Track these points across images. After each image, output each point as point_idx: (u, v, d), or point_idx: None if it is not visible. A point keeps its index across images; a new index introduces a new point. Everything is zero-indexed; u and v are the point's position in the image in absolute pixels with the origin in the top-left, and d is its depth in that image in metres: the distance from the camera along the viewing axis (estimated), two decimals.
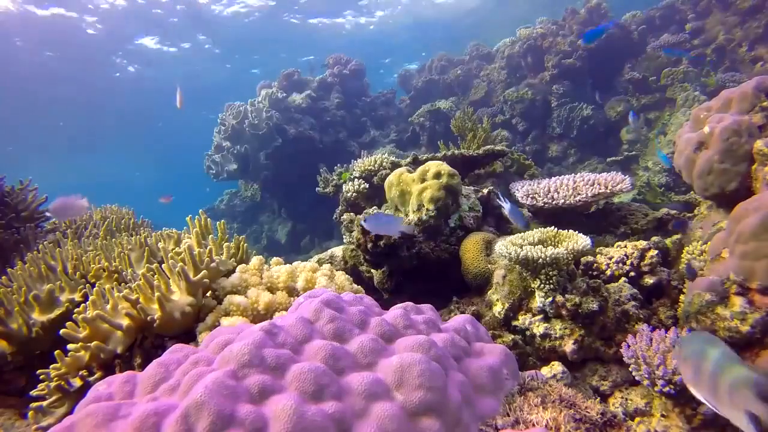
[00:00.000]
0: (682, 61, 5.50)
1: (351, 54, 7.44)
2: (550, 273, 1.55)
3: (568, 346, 1.52)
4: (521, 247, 1.56)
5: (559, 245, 1.61)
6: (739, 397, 0.78)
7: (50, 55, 11.12)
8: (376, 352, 0.89)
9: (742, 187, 1.83)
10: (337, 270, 1.69)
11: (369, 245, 1.92)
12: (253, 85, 7.21)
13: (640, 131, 5.00)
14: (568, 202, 2.27)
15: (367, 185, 2.87)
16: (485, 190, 2.40)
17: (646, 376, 1.30)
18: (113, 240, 2.04)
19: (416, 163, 2.69)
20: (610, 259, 1.81)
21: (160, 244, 1.75)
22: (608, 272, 1.80)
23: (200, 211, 1.84)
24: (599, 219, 2.42)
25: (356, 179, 2.91)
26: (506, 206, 1.98)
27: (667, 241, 1.94)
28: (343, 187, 2.98)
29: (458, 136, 3.38)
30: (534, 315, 1.61)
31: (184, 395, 0.76)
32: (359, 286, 1.69)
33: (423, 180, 2.15)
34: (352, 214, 2.41)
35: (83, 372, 1.31)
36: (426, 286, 2.04)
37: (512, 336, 1.59)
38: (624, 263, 1.78)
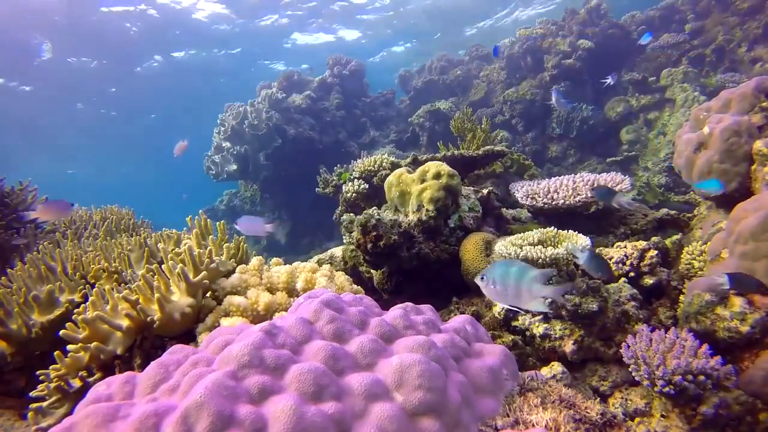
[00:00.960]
0: (681, 61, 5.50)
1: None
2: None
3: (568, 347, 1.52)
4: (521, 248, 1.56)
5: (559, 245, 1.61)
6: (533, 290, 1.12)
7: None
8: (376, 353, 0.89)
9: (742, 187, 1.84)
10: (337, 270, 1.69)
11: (369, 246, 1.92)
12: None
13: (563, 110, 5.01)
14: (567, 202, 2.27)
15: (366, 186, 2.87)
16: (485, 191, 2.40)
17: (646, 376, 1.30)
18: (113, 240, 2.04)
19: (416, 163, 2.69)
20: (610, 259, 1.82)
21: (160, 245, 1.75)
22: None
23: (200, 211, 1.84)
24: (599, 219, 2.42)
25: (356, 180, 2.91)
26: (582, 256, 1.49)
27: (667, 241, 1.94)
28: (343, 187, 2.98)
29: (458, 136, 3.39)
30: (534, 315, 1.61)
31: (184, 396, 0.76)
32: (359, 287, 1.69)
33: (423, 180, 2.15)
34: (351, 214, 2.41)
35: (83, 373, 1.31)
36: (426, 286, 2.04)
37: (512, 336, 1.59)
38: (624, 263, 1.78)
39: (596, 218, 2.43)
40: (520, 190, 2.47)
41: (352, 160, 3.28)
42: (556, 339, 1.55)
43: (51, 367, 1.30)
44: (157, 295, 1.31)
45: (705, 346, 1.30)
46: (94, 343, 1.29)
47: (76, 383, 1.29)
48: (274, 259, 1.77)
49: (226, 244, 1.72)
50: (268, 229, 2.23)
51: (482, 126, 3.29)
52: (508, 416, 0.85)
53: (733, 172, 1.85)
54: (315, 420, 0.71)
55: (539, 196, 2.36)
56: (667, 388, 1.25)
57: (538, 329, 1.58)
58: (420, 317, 1.07)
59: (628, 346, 1.38)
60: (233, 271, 1.59)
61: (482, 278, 1.20)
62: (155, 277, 1.40)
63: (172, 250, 1.73)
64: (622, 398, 1.44)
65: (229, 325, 1.23)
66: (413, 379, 0.81)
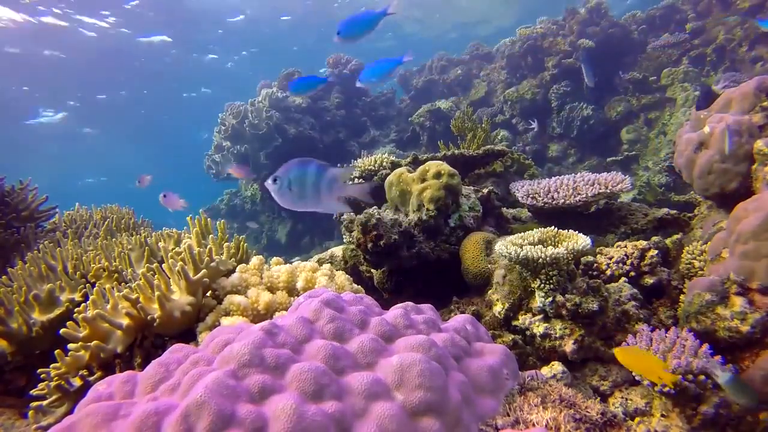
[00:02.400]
0: (682, 60, 5.50)
1: None
2: (551, 273, 1.55)
3: (569, 346, 1.52)
4: (521, 247, 1.56)
5: (559, 245, 1.61)
6: (334, 189, 1.08)
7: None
8: (376, 352, 0.89)
9: (743, 187, 1.83)
10: (337, 270, 1.69)
11: (369, 245, 1.92)
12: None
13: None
14: (568, 201, 2.27)
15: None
16: (485, 190, 2.40)
17: None
18: (113, 240, 2.04)
19: (416, 162, 2.69)
20: (610, 259, 1.81)
21: (160, 244, 1.75)
22: (608, 272, 1.80)
23: (200, 210, 1.84)
24: (599, 219, 2.42)
25: (356, 179, 2.91)
26: (723, 377, 1.21)
27: (667, 241, 1.94)
28: None
29: (458, 136, 3.38)
30: (534, 315, 1.61)
31: (185, 395, 0.76)
32: (359, 286, 1.69)
33: (423, 180, 2.15)
34: (352, 213, 2.41)
35: (83, 371, 1.31)
36: (426, 286, 2.04)
37: (512, 336, 1.59)
38: (624, 263, 1.78)
39: (596, 218, 2.43)
40: (521, 190, 2.47)
41: (352, 159, 3.28)
42: (557, 338, 1.55)
43: (51, 365, 1.30)
44: (157, 293, 1.31)
45: (705, 346, 1.30)
46: (95, 342, 1.30)
47: (77, 382, 1.29)
48: (275, 259, 1.77)
49: (227, 244, 1.72)
50: (183, 204, 2.19)
51: (482, 125, 3.29)
52: (509, 415, 0.85)
53: (734, 171, 1.84)
54: (315, 419, 0.71)
55: (540, 196, 2.36)
56: (667, 388, 1.25)
57: (539, 329, 1.57)
58: (420, 316, 1.07)
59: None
60: (233, 271, 1.59)
61: (275, 180, 1.09)
62: (155, 275, 1.40)
63: (173, 249, 1.73)
64: (622, 398, 1.44)
65: (229, 324, 1.23)
66: (414, 379, 0.81)
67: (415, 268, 2.01)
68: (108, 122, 15.05)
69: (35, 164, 17.29)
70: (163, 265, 1.44)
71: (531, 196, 2.40)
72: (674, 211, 2.31)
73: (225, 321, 1.34)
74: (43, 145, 15.77)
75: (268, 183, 1.10)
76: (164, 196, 2.04)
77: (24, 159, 16.45)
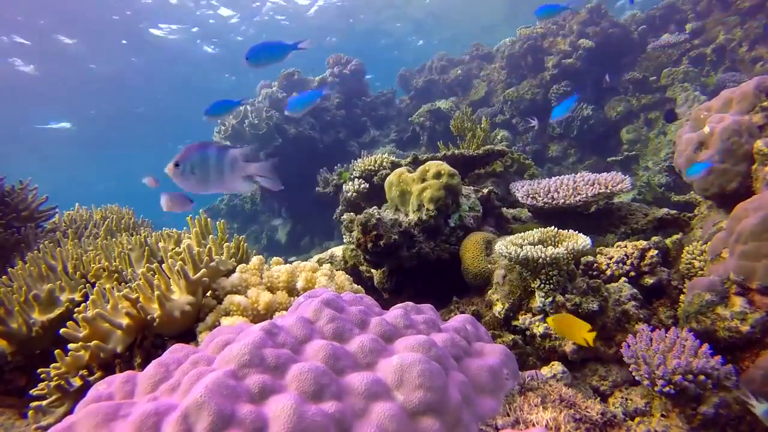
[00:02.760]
0: (682, 60, 5.50)
1: None
2: (550, 273, 1.56)
3: (568, 346, 1.52)
4: (521, 247, 1.56)
5: (559, 245, 1.61)
6: (236, 169, 1.09)
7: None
8: (376, 352, 0.89)
9: (742, 187, 1.83)
10: (337, 270, 1.69)
11: (369, 245, 1.92)
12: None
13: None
14: (568, 201, 2.27)
15: (367, 185, 2.87)
16: (485, 190, 2.40)
17: (646, 376, 1.30)
18: (113, 240, 2.04)
19: (416, 162, 2.69)
20: (610, 259, 1.81)
21: (160, 244, 1.75)
22: (608, 272, 1.80)
23: (200, 211, 1.84)
24: (599, 219, 2.42)
25: (356, 179, 2.91)
26: (759, 407, 1.19)
27: (667, 241, 1.94)
28: (343, 187, 2.98)
29: (458, 136, 3.39)
30: (534, 315, 1.61)
31: (184, 395, 0.76)
32: (359, 286, 1.69)
33: (423, 180, 2.15)
34: (352, 213, 2.41)
35: (83, 371, 1.31)
36: (426, 286, 2.04)
37: (512, 336, 1.59)
38: (624, 263, 1.78)
39: (596, 218, 2.43)
40: (521, 190, 2.47)
41: (352, 159, 3.28)
42: (557, 338, 1.55)
43: (51, 365, 1.30)
44: (157, 293, 1.31)
45: (705, 346, 1.30)
46: (95, 342, 1.30)
47: (77, 382, 1.29)
48: (275, 259, 1.77)
49: (226, 244, 1.72)
50: (186, 208, 2.09)
51: (482, 126, 3.29)
52: (509, 415, 0.85)
53: (734, 171, 1.84)
54: (315, 419, 0.71)
55: (539, 196, 2.36)
56: (667, 388, 1.25)
57: (539, 328, 1.58)
58: (420, 317, 1.07)
59: (629, 346, 1.38)
60: (233, 271, 1.59)
61: (177, 165, 1.08)
62: (155, 275, 1.40)
63: (172, 249, 1.73)
64: (622, 398, 1.44)
65: (229, 324, 1.23)
66: (414, 379, 0.81)
67: (415, 268, 2.01)
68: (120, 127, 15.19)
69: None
70: (163, 265, 1.44)
71: (531, 196, 2.40)
72: (674, 211, 2.31)
73: (225, 321, 1.34)
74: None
75: (169, 167, 1.10)
76: (168, 198, 1.94)
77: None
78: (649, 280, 1.75)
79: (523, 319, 1.62)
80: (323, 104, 6.75)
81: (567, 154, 5.83)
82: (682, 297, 1.64)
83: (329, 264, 1.89)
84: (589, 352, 1.54)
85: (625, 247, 1.83)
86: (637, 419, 1.37)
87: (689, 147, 2.01)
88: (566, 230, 1.68)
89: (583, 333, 1.28)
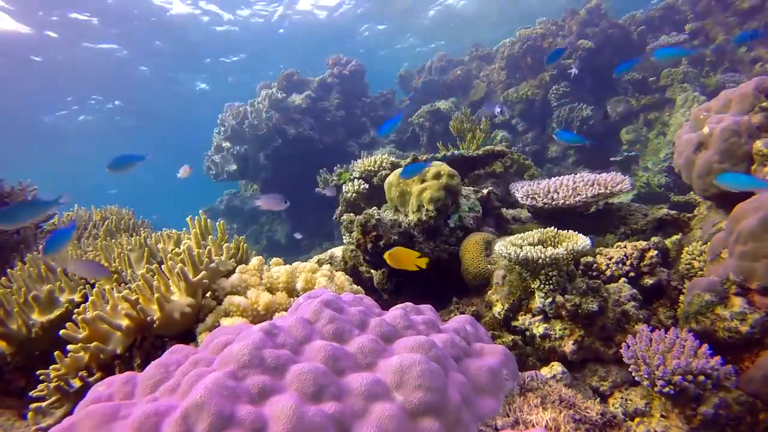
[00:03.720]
0: (681, 61, 5.50)
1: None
2: (550, 273, 1.56)
3: (568, 347, 1.52)
4: (521, 248, 1.56)
5: (559, 245, 1.61)
6: None
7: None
8: (376, 353, 0.89)
9: None
10: (337, 270, 1.69)
11: (369, 245, 1.92)
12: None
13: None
14: (567, 202, 2.27)
15: (366, 186, 2.87)
16: (485, 191, 2.40)
17: (646, 376, 1.30)
18: (113, 240, 2.04)
19: None
20: (610, 259, 1.81)
21: (160, 245, 1.75)
22: (608, 272, 1.80)
23: (200, 211, 1.84)
24: (599, 219, 2.42)
25: (356, 180, 2.91)
26: None
27: (667, 241, 1.94)
28: (343, 187, 2.98)
29: (457, 136, 3.39)
30: (534, 315, 1.61)
31: (184, 396, 0.76)
32: (359, 287, 1.69)
33: (423, 180, 2.16)
34: (351, 214, 2.41)
35: (83, 373, 1.31)
36: (426, 286, 2.04)
37: (512, 336, 1.59)
38: (624, 263, 1.78)
39: (596, 218, 2.43)
40: (520, 190, 2.47)
41: (352, 160, 3.28)
42: (556, 339, 1.55)
43: (51, 367, 1.30)
44: (156, 294, 1.31)
45: (705, 346, 1.30)
46: (94, 343, 1.30)
47: (76, 383, 1.29)
48: (274, 259, 1.77)
49: (226, 244, 1.72)
50: (281, 207, 2.50)
51: (481, 126, 3.29)
52: (508, 416, 0.85)
53: (733, 172, 1.84)
54: (315, 420, 0.71)
55: (539, 196, 2.36)
56: (667, 388, 1.25)
57: (538, 329, 1.58)
58: (420, 317, 1.07)
59: (628, 346, 1.38)
60: (233, 271, 1.59)
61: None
62: (155, 276, 1.40)
63: (172, 250, 1.73)
64: (622, 398, 1.44)
65: (229, 325, 1.23)
66: (413, 379, 0.81)
67: None
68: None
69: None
70: (163, 266, 1.44)
71: (531, 196, 2.40)
72: (674, 212, 2.31)
73: (225, 322, 1.34)
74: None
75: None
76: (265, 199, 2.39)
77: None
78: (648, 281, 1.75)
79: (522, 320, 1.62)
80: (323, 105, 6.75)
81: (567, 154, 5.83)
82: (681, 297, 1.64)
83: (329, 264, 1.89)
84: (589, 353, 1.54)
85: (625, 247, 1.83)
86: (637, 419, 1.37)
87: (689, 147, 2.01)
88: (566, 231, 1.68)
89: (413, 260, 1.51)
